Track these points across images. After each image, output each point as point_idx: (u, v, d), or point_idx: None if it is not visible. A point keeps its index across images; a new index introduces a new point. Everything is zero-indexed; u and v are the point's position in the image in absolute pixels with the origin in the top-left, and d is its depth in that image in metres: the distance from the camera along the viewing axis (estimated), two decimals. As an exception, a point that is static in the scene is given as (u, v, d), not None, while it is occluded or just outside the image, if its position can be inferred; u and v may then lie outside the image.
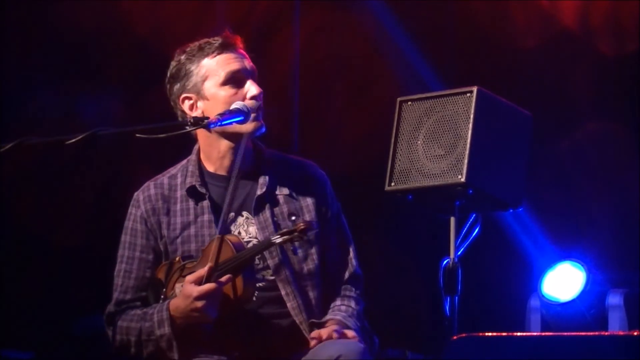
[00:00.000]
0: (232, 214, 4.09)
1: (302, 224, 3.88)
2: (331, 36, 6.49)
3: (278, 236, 3.90)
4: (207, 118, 3.97)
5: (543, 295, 5.66)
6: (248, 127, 4.02)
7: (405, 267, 6.15)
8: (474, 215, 4.29)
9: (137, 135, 3.89)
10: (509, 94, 4.37)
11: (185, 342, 3.96)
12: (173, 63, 4.14)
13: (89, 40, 6.07)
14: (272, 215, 4.07)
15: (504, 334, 3.49)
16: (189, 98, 4.10)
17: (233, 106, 4.00)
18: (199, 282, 3.86)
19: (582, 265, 5.67)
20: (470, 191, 4.18)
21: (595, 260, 5.75)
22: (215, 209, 4.06)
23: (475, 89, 4.21)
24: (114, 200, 4.53)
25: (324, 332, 3.93)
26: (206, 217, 4.08)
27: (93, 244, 5.76)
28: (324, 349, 3.88)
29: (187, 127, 3.98)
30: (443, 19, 6.41)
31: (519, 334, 3.63)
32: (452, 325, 4.19)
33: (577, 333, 3.90)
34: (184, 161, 4.21)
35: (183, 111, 4.11)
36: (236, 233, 4.07)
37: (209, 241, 3.98)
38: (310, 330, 3.99)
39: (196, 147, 4.20)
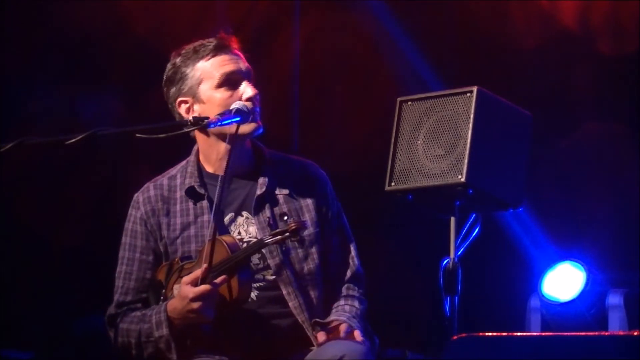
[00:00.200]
0: (231, 214, 4.10)
1: (293, 224, 3.88)
2: (331, 36, 6.49)
3: (270, 236, 3.90)
4: (207, 118, 3.97)
5: (543, 295, 5.66)
6: (245, 128, 4.01)
7: (405, 267, 6.14)
8: (474, 215, 4.28)
9: (137, 135, 3.90)
10: (509, 94, 4.37)
11: (184, 342, 3.97)
12: (169, 66, 4.14)
13: (89, 40, 6.07)
14: (272, 215, 4.07)
15: (504, 334, 3.49)
16: (185, 101, 4.10)
17: (233, 106, 4.00)
18: (194, 283, 3.86)
19: (582, 265, 5.67)
20: (470, 191, 4.17)
21: (595, 260, 5.75)
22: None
23: (475, 89, 4.21)
24: (114, 201, 4.53)
25: (332, 336, 3.94)
26: (206, 217, 4.08)
27: (93, 244, 5.76)
28: (327, 349, 3.88)
29: (187, 127, 3.99)
30: (443, 19, 6.40)
31: (519, 334, 3.63)
32: (452, 325, 4.19)
33: (577, 333, 3.90)
34: (183, 162, 4.21)
35: (180, 114, 4.11)
36: (236, 233, 4.07)
37: (206, 242, 3.98)
38: (313, 329, 4.00)
39: (195, 147, 4.20)
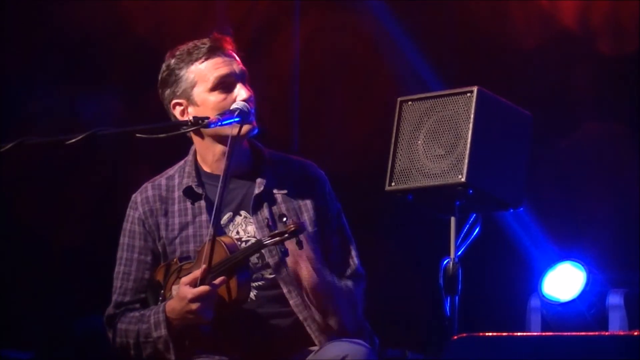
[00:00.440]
0: (229, 214, 4.10)
1: (292, 225, 3.87)
2: (331, 36, 6.48)
3: (269, 237, 3.90)
4: (207, 118, 3.97)
5: (543, 295, 5.66)
6: (241, 130, 4.01)
7: (405, 267, 6.14)
8: (474, 215, 4.28)
9: (137, 135, 3.90)
10: (509, 94, 4.37)
11: (183, 343, 3.97)
12: (163, 67, 4.13)
13: (89, 40, 6.07)
14: (271, 214, 4.07)
15: (504, 334, 3.49)
16: (180, 104, 4.09)
17: (233, 106, 4.01)
18: (193, 284, 3.86)
19: (582, 265, 5.66)
20: (471, 191, 4.17)
21: (595, 260, 5.74)
22: (213, 209, 4.06)
23: (475, 89, 4.21)
24: (114, 201, 4.52)
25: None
26: (204, 217, 4.08)
27: (93, 244, 5.76)
28: (330, 349, 3.88)
29: (188, 127, 3.99)
30: (443, 19, 6.40)
31: (519, 334, 3.63)
32: (452, 325, 4.19)
33: (577, 333, 3.89)
34: (181, 162, 4.21)
35: (175, 116, 4.10)
36: (234, 232, 4.07)
37: (204, 242, 3.98)
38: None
39: (193, 147, 4.20)
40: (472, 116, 4.17)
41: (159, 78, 4.14)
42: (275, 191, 4.12)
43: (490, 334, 3.48)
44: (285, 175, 4.16)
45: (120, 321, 4.06)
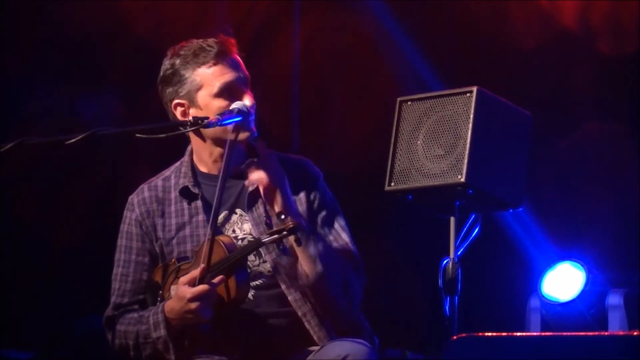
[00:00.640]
0: (225, 212, 4.10)
1: (290, 223, 3.87)
2: (331, 36, 6.48)
3: (267, 235, 3.90)
4: (207, 118, 3.97)
5: (543, 295, 5.65)
6: (240, 135, 4.01)
7: (405, 267, 6.14)
8: (473, 215, 4.28)
9: (137, 135, 3.90)
10: (509, 94, 4.36)
11: (182, 343, 3.97)
12: (167, 65, 4.11)
13: (89, 40, 6.07)
14: (266, 210, 4.07)
15: (504, 334, 3.49)
16: (181, 104, 4.09)
17: (233, 106, 4.01)
18: (192, 283, 3.87)
19: (582, 265, 5.66)
20: (470, 191, 4.17)
21: (595, 260, 5.74)
22: (209, 209, 4.06)
23: (475, 89, 4.21)
24: (114, 201, 4.52)
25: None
26: (200, 217, 4.08)
27: (93, 244, 5.76)
28: (331, 348, 3.88)
29: (187, 127, 3.99)
30: (443, 19, 6.40)
31: (519, 334, 3.63)
32: (452, 325, 4.19)
33: (577, 333, 3.90)
34: (177, 163, 4.22)
35: (175, 116, 4.10)
36: (230, 231, 4.08)
37: (202, 242, 3.98)
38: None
39: (189, 148, 4.20)
40: (471, 116, 4.17)
41: (161, 75, 4.13)
42: None
43: (490, 334, 3.48)
44: (279, 172, 4.16)
45: (119, 323, 4.06)
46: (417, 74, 6.34)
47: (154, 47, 4.92)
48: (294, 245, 3.92)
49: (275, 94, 6.17)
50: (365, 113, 6.21)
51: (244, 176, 4.07)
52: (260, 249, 4.02)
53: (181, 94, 4.08)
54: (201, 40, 4.11)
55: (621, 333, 4.46)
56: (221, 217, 4.10)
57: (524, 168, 4.32)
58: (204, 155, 4.13)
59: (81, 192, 6.03)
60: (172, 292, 3.96)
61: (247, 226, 4.09)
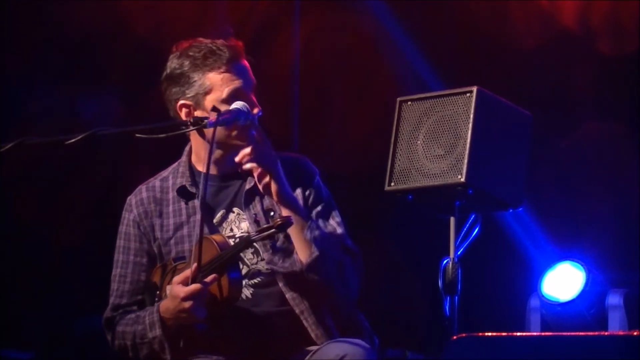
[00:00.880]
0: (222, 212, 4.10)
1: (279, 220, 3.87)
2: (331, 36, 6.48)
3: (256, 233, 3.90)
4: (207, 118, 3.97)
5: (543, 295, 5.65)
6: (235, 140, 4.03)
7: (405, 267, 6.14)
8: (473, 215, 4.28)
9: (137, 135, 3.90)
10: (509, 94, 4.37)
11: (178, 343, 3.98)
12: (175, 64, 4.09)
13: (89, 40, 6.08)
14: (262, 209, 4.07)
15: (504, 334, 3.49)
16: (187, 106, 4.08)
17: (233, 106, 4.00)
18: (185, 282, 3.88)
19: (582, 265, 5.66)
20: (470, 191, 4.17)
21: (595, 260, 5.74)
22: (207, 208, 4.07)
23: (475, 89, 4.21)
24: (114, 201, 4.52)
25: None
26: (198, 216, 4.08)
27: (93, 244, 5.76)
28: (330, 349, 3.88)
29: (188, 127, 3.99)
30: (443, 19, 6.40)
31: (519, 334, 3.63)
32: (452, 325, 4.19)
33: (577, 333, 3.90)
34: (175, 164, 4.22)
35: (178, 115, 4.10)
36: (228, 230, 4.08)
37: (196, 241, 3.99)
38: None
39: (187, 148, 4.20)
40: (471, 116, 4.17)
41: (167, 72, 4.10)
42: None
43: (489, 334, 3.49)
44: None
45: (118, 323, 4.07)
46: (417, 74, 6.34)
47: (154, 47, 4.93)
48: (290, 232, 3.92)
49: (275, 94, 6.17)
50: (365, 113, 6.21)
51: (242, 176, 4.08)
52: (258, 247, 4.02)
53: (188, 96, 4.07)
54: (210, 41, 4.09)
55: (621, 333, 4.47)
56: (218, 216, 4.10)
57: (524, 168, 4.32)
58: (202, 154, 4.13)
59: (81, 192, 6.03)
60: (168, 292, 3.96)
61: (245, 225, 4.09)
